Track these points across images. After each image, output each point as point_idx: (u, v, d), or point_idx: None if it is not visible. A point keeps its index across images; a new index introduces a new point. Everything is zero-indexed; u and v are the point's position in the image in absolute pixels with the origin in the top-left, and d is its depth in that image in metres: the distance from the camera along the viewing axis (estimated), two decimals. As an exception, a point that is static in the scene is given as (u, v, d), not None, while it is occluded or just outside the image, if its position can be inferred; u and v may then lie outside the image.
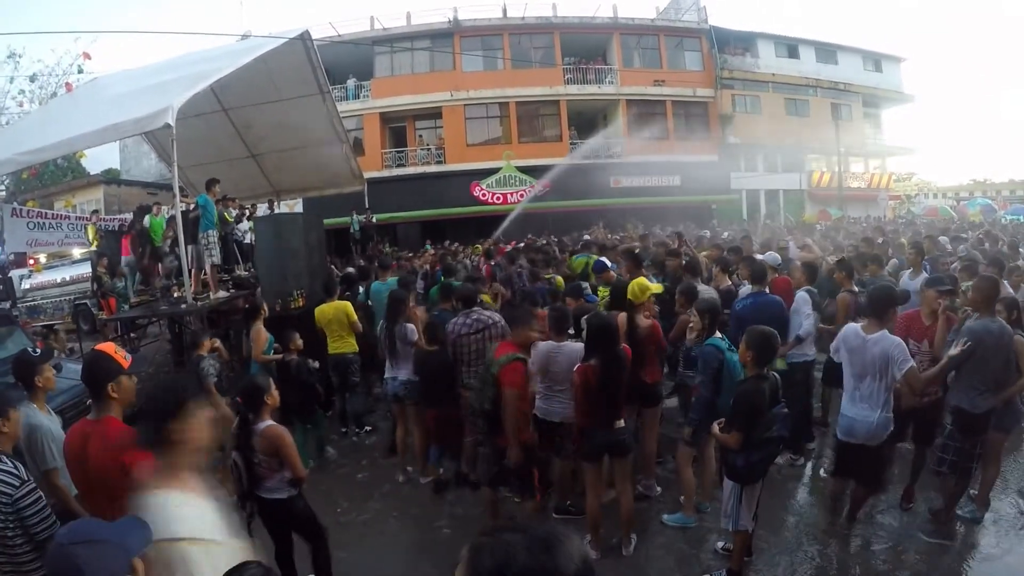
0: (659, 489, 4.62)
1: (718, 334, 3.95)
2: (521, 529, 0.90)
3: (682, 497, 4.24)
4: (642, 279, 4.68)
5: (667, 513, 4.29)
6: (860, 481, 3.86)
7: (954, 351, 3.57)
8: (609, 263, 6.97)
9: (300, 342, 5.52)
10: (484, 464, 4.00)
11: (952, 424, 3.81)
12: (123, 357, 2.44)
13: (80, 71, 19.57)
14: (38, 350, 3.48)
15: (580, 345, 3.97)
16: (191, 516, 1.53)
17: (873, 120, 29.85)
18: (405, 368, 5.03)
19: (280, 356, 5.54)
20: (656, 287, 4.71)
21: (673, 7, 26.87)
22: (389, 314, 5.11)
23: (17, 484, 2.41)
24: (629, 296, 4.39)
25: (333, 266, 10.45)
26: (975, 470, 3.91)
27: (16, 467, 2.48)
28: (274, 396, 3.27)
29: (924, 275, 5.67)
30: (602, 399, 3.55)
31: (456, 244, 15.44)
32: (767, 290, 5.18)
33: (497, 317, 4.74)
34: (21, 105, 20.65)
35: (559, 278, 6.98)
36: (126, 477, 2.26)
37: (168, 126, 6.30)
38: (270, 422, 3.19)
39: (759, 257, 6.32)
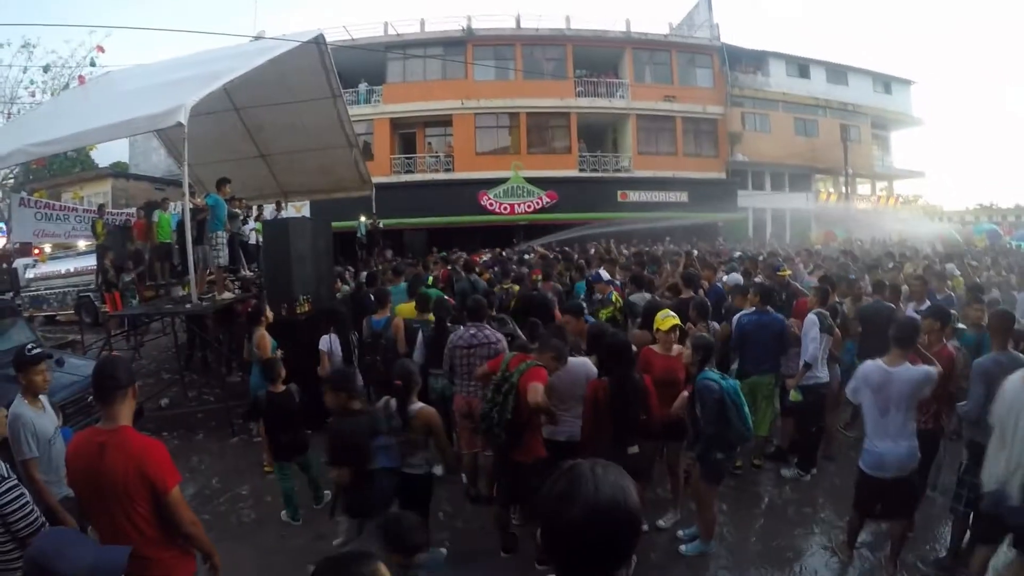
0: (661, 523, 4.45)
1: (710, 368, 3.81)
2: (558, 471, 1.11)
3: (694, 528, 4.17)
4: (665, 310, 4.39)
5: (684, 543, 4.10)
6: (895, 516, 3.67)
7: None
8: (607, 276, 6.99)
9: (283, 372, 4.77)
10: (499, 481, 3.95)
11: (968, 459, 3.65)
12: None
13: (93, 64, 19.59)
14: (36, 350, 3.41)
15: (584, 360, 3.94)
16: None
17: (881, 142, 29.93)
18: None
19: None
20: (670, 321, 4.24)
21: (686, 23, 27.05)
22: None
23: None
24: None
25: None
26: None
27: None
28: (418, 382, 3.69)
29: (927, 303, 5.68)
30: (612, 419, 3.46)
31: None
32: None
33: (497, 337, 4.58)
34: (33, 95, 20.68)
35: (516, 286, 6.96)
36: (145, 488, 2.21)
37: (180, 125, 6.28)
38: (421, 404, 3.52)
39: (726, 278, 7.39)
